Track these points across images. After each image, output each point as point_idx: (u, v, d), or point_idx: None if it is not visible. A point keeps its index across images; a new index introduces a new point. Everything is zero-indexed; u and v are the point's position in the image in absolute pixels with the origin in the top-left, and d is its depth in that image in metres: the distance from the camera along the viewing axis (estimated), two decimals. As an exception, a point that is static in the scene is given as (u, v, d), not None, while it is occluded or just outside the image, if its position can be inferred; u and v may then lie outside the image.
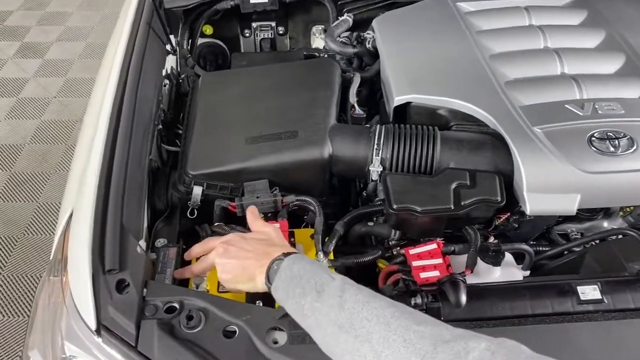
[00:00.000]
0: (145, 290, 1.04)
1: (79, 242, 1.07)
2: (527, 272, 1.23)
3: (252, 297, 1.07)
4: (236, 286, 1.05)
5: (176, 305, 1.02)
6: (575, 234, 1.37)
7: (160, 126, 1.47)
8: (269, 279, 0.97)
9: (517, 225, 1.29)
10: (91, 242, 1.05)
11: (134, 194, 1.20)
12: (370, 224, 1.32)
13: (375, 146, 1.28)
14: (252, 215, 1.16)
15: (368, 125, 1.42)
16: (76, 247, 1.07)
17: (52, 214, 2.96)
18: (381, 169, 1.28)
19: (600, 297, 1.07)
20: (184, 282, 1.17)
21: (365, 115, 1.41)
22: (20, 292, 2.58)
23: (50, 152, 3.37)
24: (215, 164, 1.28)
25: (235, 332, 0.99)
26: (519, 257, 1.26)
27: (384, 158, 1.28)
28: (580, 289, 1.08)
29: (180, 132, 1.54)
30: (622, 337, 1.00)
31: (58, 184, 3.14)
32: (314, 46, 1.90)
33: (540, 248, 1.33)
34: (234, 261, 1.03)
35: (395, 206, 1.17)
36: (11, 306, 2.52)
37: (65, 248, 1.14)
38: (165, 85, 1.56)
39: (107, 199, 1.14)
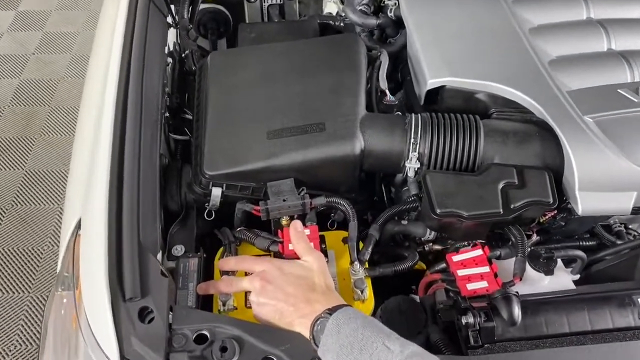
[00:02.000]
0: (170, 316, 0.94)
1: (93, 264, 0.96)
2: (577, 276, 1.14)
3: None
4: (271, 325, 0.95)
5: (207, 333, 0.93)
6: (619, 226, 1.28)
7: (167, 113, 1.33)
8: (314, 340, 0.88)
9: (563, 224, 1.20)
10: (107, 266, 0.94)
11: (148, 201, 1.07)
12: (404, 222, 1.22)
13: (412, 140, 1.16)
14: (297, 235, 1.05)
15: (400, 114, 1.29)
16: (90, 270, 0.96)
17: (41, 182, 2.81)
18: (418, 166, 1.16)
19: (664, 310, 0.99)
20: (207, 297, 1.07)
21: (396, 102, 1.28)
22: (12, 268, 2.47)
23: (34, 114, 3.17)
24: (235, 163, 1.15)
25: (274, 363, 0.90)
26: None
27: (421, 153, 1.16)
28: (641, 301, 1.00)
29: (188, 116, 1.40)
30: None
31: (45, 149, 2.98)
32: (326, 11, 1.72)
33: (584, 243, 1.25)
34: (271, 304, 0.94)
35: (439, 211, 1.07)
36: (4, 283, 2.42)
37: (76, 263, 1.03)
38: (168, 65, 1.40)
39: (121, 210, 1.02)
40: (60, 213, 2.69)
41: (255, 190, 1.17)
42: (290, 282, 0.95)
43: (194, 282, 1.06)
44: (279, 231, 1.12)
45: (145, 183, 1.08)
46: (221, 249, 1.13)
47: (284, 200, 1.12)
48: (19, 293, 2.39)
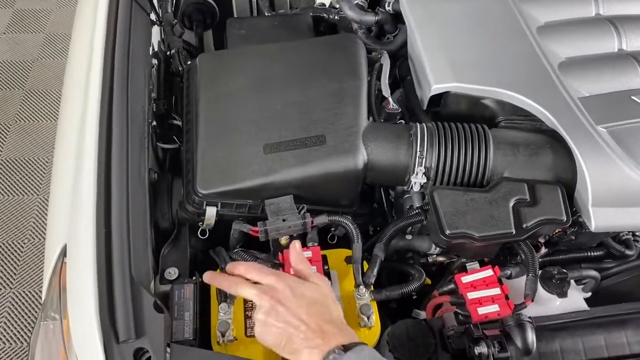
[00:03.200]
0: (168, 355, 0.88)
1: (82, 303, 0.89)
2: (589, 294, 1.11)
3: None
4: (272, 349, 0.89)
5: (207, 374, 0.87)
6: (626, 234, 1.25)
7: (154, 122, 1.24)
8: None
9: (574, 237, 1.15)
10: (98, 304, 0.87)
11: (139, 224, 1.00)
12: (409, 237, 1.17)
13: (418, 153, 1.09)
14: (299, 257, 0.98)
15: (403, 122, 1.22)
16: (80, 309, 0.89)
17: (17, 172, 2.70)
18: (425, 181, 1.10)
19: (681, 334, 0.96)
20: (204, 322, 1.01)
21: (400, 110, 1.21)
22: (-6, 266, 2.38)
23: (6, 99, 3.03)
24: (230, 181, 1.08)
25: (282, 405, 0.86)
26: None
27: (427, 167, 1.10)
28: (658, 324, 0.97)
29: (177, 122, 1.31)
30: None
31: (20, 136, 2.85)
32: (318, 1, 1.63)
33: (592, 253, 1.22)
34: (279, 327, 0.87)
35: (448, 232, 1.02)
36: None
37: (63, 293, 0.96)
38: (152, 67, 1.30)
39: (110, 238, 0.94)
40: (40, 204, 2.60)
41: (252, 208, 1.11)
42: (303, 307, 0.88)
43: (190, 311, 1.00)
44: (279, 253, 1.06)
45: (134, 205, 1.01)
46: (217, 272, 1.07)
47: (284, 220, 1.06)
48: (0, 289, 2.31)
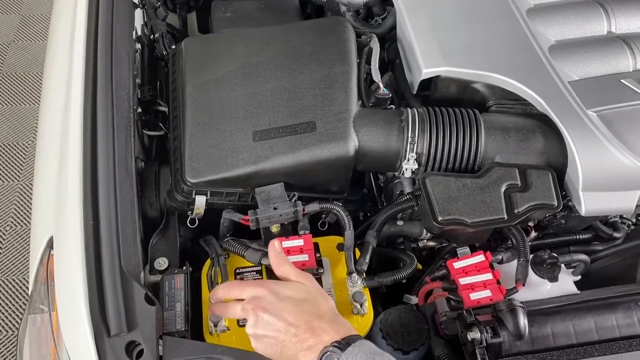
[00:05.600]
0: (160, 348, 0.87)
1: (72, 296, 0.88)
2: (578, 277, 1.12)
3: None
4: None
5: (201, 366, 0.86)
6: (614, 217, 1.26)
7: (139, 109, 1.21)
8: None
9: (564, 221, 1.16)
10: (88, 298, 0.86)
11: (127, 214, 0.98)
12: (400, 223, 1.17)
13: (410, 139, 1.08)
14: (279, 257, 0.94)
15: (393, 107, 1.20)
16: (69, 303, 0.88)
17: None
18: (416, 167, 1.09)
19: (669, 317, 0.98)
20: (195, 311, 1.00)
21: (390, 95, 1.19)
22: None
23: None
24: (220, 169, 1.06)
25: (276, 395, 0.85)
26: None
27: (419, 153, 1.09)
28: (647, 307, 0.98)
29: (162, 108, 1.28)
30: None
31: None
32: (304, -17, 1.59)
33: (580, 236, 1.23)
34: (270, 336, 0.83)
35: (440, 218, 1.01)
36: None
37: (51, 286, 0.95)
38: (136, 52, 1.27)
39: (98, 230, 0.92)
40: (22, 190, 2.54)
41: (242, 196, 1.09)
42: (289, 309, 0.84)
43: (182, 302, 0.98)
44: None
45: (122, 193, 0.99)
46: (208, 262, 1.06)
47: (275, 208, 1.04)
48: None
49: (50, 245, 0.98)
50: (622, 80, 1.14)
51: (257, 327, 0.85)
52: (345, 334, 0.81)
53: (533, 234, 1.19)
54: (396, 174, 1.16)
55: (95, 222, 0.92)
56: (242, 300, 0.89)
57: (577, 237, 1.24)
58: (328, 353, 0.79)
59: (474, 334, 0.93)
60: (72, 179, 0.97)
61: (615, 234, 1.23)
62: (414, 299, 1.10)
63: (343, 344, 0.79)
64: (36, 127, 2.45)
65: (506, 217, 1.02)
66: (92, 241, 0.90)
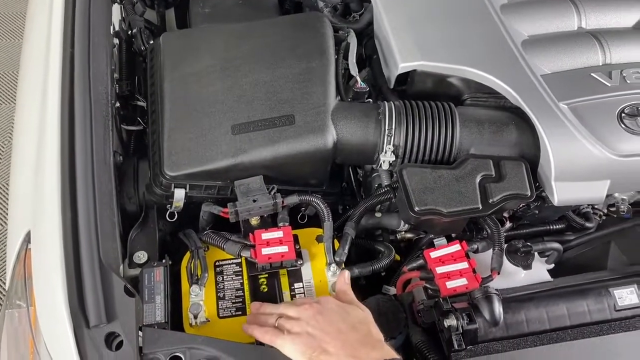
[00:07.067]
0: (140, 339, 0.87)
1: (50, 288, 0.87)
2: (552, 265, 1.14)
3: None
4: (299, 358, 0.85)
5: (181, 356, 0.87)
6: (586, 207, 1.29)
7: (117, 103, 1.21)
8: None
9: (537, 212, 1.19)
10: (67, 290, 0.86)
11: (105, 208, 0.98)
12: (378, 214, 1.18)
13: (387, 131, 1.10)
14: (346, 287, 0.98)
15: (371, 101, 1.22)
16: (47, 295, 0.87)
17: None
18: (393, 159, 1.11)
19: (638, 302, 1.01)
20: (175, 305, 1.00)
21: (367, 89, 1.21)
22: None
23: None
24: (199, 162, 1.06)
25: (256, 383, 0.86)
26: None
27: (396, 145, 1.10)
28: (617, 293, 1.02)
29: (141, 103, 1.28)
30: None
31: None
32: (282, -21, 1.60)
33: (553, 226, 1.26)
34: (315, 335, 0.85)
35: (417, 209, 1.03)
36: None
37: (28, 280, 0.94)
38: (114, 47, 1.27)
39: (77, 223, 0.92)
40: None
41: (222, 189, 1.10)
42: (345, 320, 0.87)
43: (161, 294, 0.99)
44: (250, 234, 1.05)
45: (100, 187, 0.99)
46: (187, 255, 1.06)
47: (254, 201, 1.05)
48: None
49: (27, 239, 0.98)
50: (592, 74, 1.17)
51: (309, 326, 0.86)
52: (391, 357, 0.83)
53: (508, 224, 1.22)
54: (374, 166, 1.18)
55: (73, 215, 0.92)
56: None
57: (551, 227, 1.27)
58: None
59: (450, 321, 0.95)
60: (49, 172, 0.96)
61: (588, 224, 1.26)
62: (393, 290, 1.12)
63: None
64: (12, 128, 2.41)
65: (481, 207, 1.04)
66: (70, 234, 0.90)
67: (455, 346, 0.94)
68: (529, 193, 1.06)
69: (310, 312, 0.89)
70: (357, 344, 0.84)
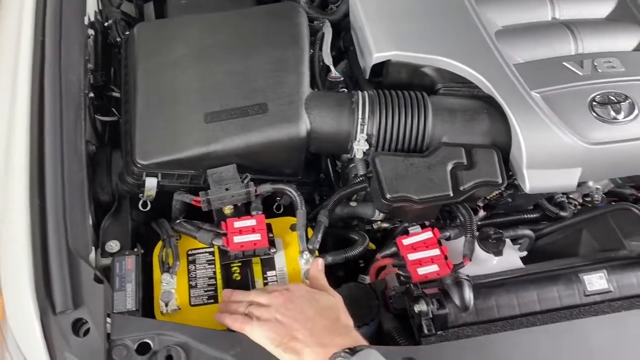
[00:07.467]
0: (109, 325, 0.87)
1: (16, 275, 0.87)
2: (524, 253, 1.15)
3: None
4: (267, 345, 0.86)
5: (150, 342, 0.87)
6: (561, 197, 1.30)
7: (91, 93, 1.20)
8: None
9: (510, 200, 1.19)
10: (33, 276, 0.85)
11: (75, 195, 0.98)
12: (353, 204, 1.19)
13: (360, 120, 1.10)
14: (319, 273, 0.99)
15: (345, 90, 1.22)
16: (13, 281, 0.87)
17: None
18: (367, 147, 1.11)
19: (607, 287, 1.02)
20: (148, 294, 1.00)
21: (342, 79, 1.21)
22: None
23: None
24: (170, 151, 1.06)
25: (224, 369, 0.86)
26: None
27: (369, 134, 1.11)
28: (586, 278, 1.02)
29: (116, 94, 1.28)
30: (632, 330, 0.96)
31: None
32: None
33: (528, 215, 1.27)
34: (285, 322, 0.85)
35: (389, 196, 1.03)
36: None
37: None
38: (89, 37, 1.26)
39: (44, 209, 0.92)
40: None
41: (194, 178, 1.10)
42: (313, 307, 0.87)
43: (132, 282, 0.98)
44: (222, 222, 1.05)
45: (70, 175, 0.98)
46: (159, 244, 1.06)
47: (227, 190, 1.05)
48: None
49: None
50: (564, 63, 1.18)
51: (277, 312, 0.86)
52: (357, 343, 0.82)
53: (482, 213, 1.23)
54: (349, 156, 1.18)
55: (41, 202, 0.91)
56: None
57: (526, 216, 1.27)
58: (339, 357, 0.80)
59: (421, 306, 0.96)
60: (18, 159, 0.96)
61: (562, 213, 1.26)
62: (368, 279, 1.13)
63: (354, 351, 0.80)
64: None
65: (452, 194, 1.05)
66: (37, 220, 0.90)
67: (426, 331, 0.94)
68: (500, 180, 1.06)
69: (280, 299, 0.89)
70: (324, 331, 0.84)
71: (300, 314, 0.86)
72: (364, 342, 0.84)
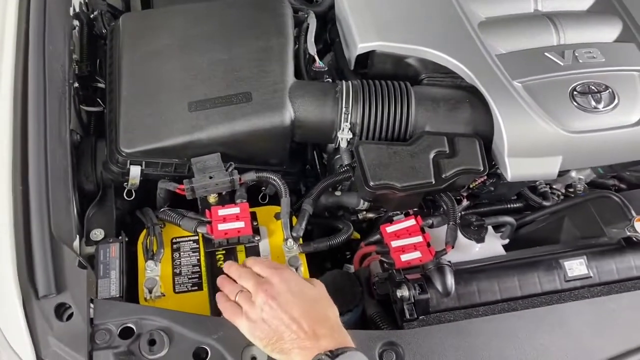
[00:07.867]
0: (92, 310, 0.87)
1: (-2, 261, 0.87)
2: (507, 241, 1.17)
3: (218, 310, 0.92)
4: (259, 345, 0.86)
5: (132, 326, 0.87)
6: (544, 187, 1.31)
7: (76, 84, 1.21)
8: None
9: (493, 189, 1.21)
10: (16, 261, 0.86)
11: (59, 183, 0.98)
12: (338, 193, 1.20)
13: (344, 109, 1.11)
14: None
15: (330, 80, 1.23)
16: (-4, 268, 0.87)
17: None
18: (350, 136, 1.12)
19: (587, 272, 1.03)
20: (132, 281, 1.00)
21: (326, 69, 1.22)
22: None
23: None
24: (154, 139, 1.07)
25: (207, 352, 0.87)
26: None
27: (353, 123, 1.12)
28: (567, 264, 1.04)
29: (101, 85, 1.28)
30: (611, 315, 0.98)
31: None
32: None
33: (511, 205, 1.28)
34: (272, 323, 0.84)
35: (372, 183, 1.04)
36: None
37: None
38: (74, 28, 1.26)
39: (27, 196, 0.92)
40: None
41: (179, 167, 1.10)
42: (298, 305, 0.85)
43: (117, 269, 0.99)
44: (207, 210, 1.06)
45: (54, 164, 0.98)
46: (144, 232, 1.06)
47: (211, 178, 1.05)
48: None
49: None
50: (545, 53, 1.19)
51: (263, 312, 0.85)
52: (341, 345, 0.82)
53: (465, 202, 1.24)
54: (334, 146, 1.19)
55: (24, 188, 0.92)
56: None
57: (509, 206, 1.29)
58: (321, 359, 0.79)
59: (403, 292, 0.97)
60: (0, 143, 0.96)
61: (545, 203, 1.28)
62: (353, 268, 1.13)
63: (335, 354, 0.79)
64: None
65: (434, 182, 1.06)
66: (20, 205, 0.90)
67: (407, 316, 0.95)
68: (481, 168, 1.08)
69: (264, 296, 0.87)
70: (309, 331, 0.83)
71: (285, 313, 0.84)
72: (349, 343, 0.83)
